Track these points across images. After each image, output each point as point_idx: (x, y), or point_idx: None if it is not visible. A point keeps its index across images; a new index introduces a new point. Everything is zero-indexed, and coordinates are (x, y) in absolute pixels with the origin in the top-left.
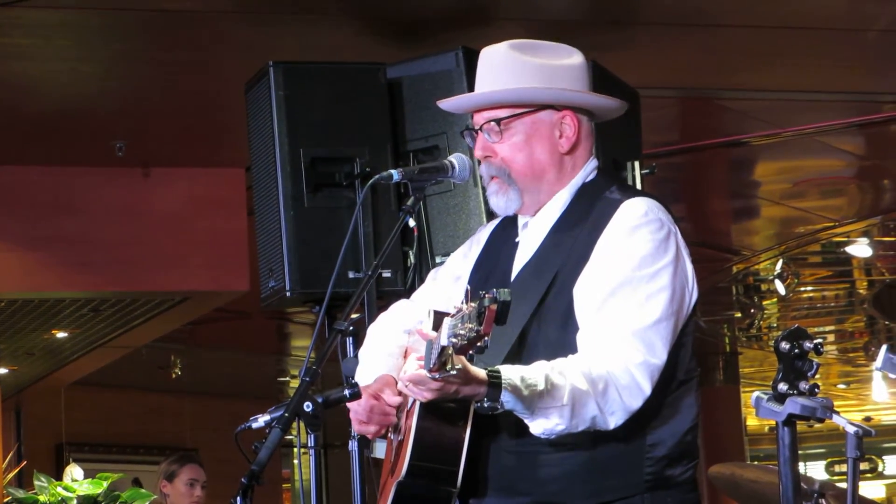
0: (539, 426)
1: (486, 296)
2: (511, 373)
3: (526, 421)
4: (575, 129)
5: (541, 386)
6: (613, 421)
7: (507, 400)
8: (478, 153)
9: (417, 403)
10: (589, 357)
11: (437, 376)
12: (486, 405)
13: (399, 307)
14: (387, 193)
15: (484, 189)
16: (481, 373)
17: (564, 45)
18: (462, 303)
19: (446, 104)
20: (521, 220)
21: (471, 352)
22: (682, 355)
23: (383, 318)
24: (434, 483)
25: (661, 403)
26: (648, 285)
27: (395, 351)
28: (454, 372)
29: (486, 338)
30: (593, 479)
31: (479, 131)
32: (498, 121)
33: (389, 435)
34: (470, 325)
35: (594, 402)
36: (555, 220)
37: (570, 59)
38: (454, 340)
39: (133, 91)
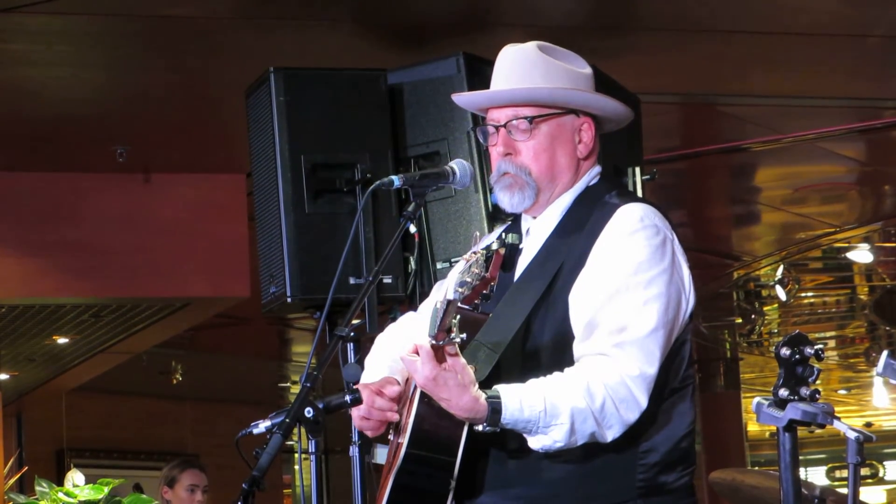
0: (538, 442)
1: (495, 241)
2: (510, 396)
3: (525, 435)
4: (592, 135)
5: (539, 407)
6: (611, 434)
7: (507, 422)
8: (499, 149)
9: (417, 393)
10: (585, 370)
11: (441, 342)
12: (486, 429)
13: (406, 319)
14: (387, 199)
15: (485, 194)
16: (481, 395)
17: (576, 54)
18: (469, 253)
19: (466, 98)
20: (524, 227)
21: (477, 301)
22: (677, 362)
23: (391, 328)
24: (431, 471)
25: (654, 410)
26: (644, 292)
27: (399, 360)
28: (457, 339)
29: (492, 283)
30: (585, 484)
31: (500, 128)
32: (530, 119)
33: (390, 436)
34: (476, 271)
35: (593, 418)
36: (555, 224)
37: (586, 68)
38: (460, 290)
39: (134, 97)
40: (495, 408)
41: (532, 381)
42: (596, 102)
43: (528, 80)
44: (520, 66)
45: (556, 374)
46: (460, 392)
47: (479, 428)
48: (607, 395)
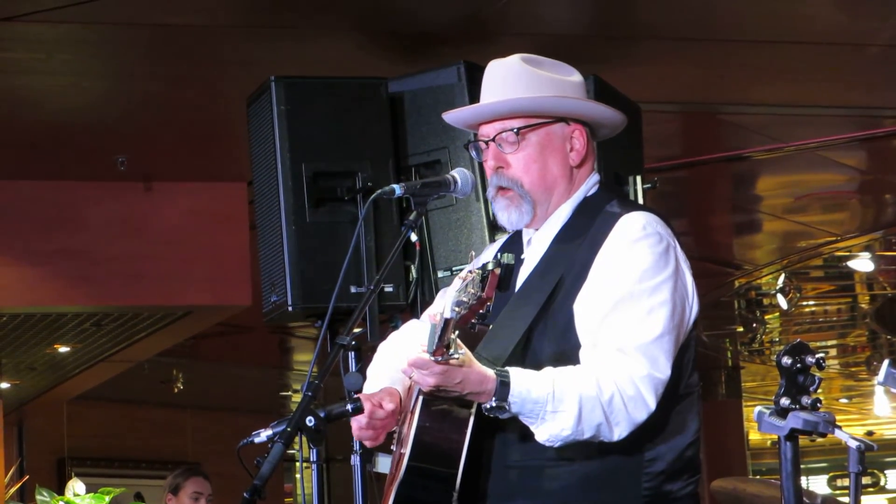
0: (545, 431)
1: (490, 261)
2: (520, 373)
3: (532, 427)
4: (584, 142)
5: (548, 388)
6: (618, 432)
7: (514, 401)
8: (490, 164)
9: (419, 405)
10: (594, 367)
11: (440, 359)
12: (493, 404)
13: (409, 327)
14: (389, 208)
15: (486, 203)
16: (489, 370)
17: (564, 63)
18: (467, 272)
19: (453, 115)
20: (525, 237)
21: (473, 320)
22: (682, 370)
23: (393, 336)
24: (433, 483)
25: (660, 418)
26: (649, 299)
27: (401, 371)
28: (457, 356)
29: (488, 303)
30: (591, 493)
31: (489, 142)
32: (517, 130)
33: (392, 446)
34: (472, 291)
35: (601, 408)
36: (555, 235)
37: (574, 76)
38: (457, 310)
39: (135, 105)
40: (504, 380)
41: (543, 369)
42: (583, 108)
43: (512, 92)
44: (503, 80)
45: (567, 366)
46: (467, 373)
47: (488, 405)
48: (616, 391)
